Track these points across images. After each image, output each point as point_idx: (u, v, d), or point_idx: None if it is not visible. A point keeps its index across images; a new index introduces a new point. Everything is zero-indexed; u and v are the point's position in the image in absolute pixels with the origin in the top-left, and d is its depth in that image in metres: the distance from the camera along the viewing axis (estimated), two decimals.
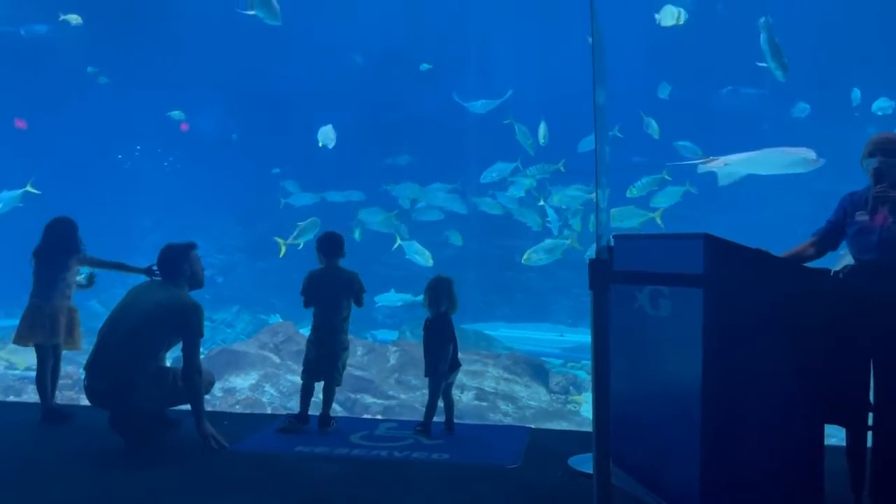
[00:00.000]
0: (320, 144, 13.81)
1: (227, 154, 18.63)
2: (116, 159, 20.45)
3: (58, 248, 5.66)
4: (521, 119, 13.49)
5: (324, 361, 5.28)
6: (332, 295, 5.29)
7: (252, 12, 11.03)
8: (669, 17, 12.34)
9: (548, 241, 12.72)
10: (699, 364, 3.47)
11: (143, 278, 5.51)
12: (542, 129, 13.04)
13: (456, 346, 5.22)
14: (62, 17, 14.68)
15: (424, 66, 16.99)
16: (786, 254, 4.14)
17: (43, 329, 5.58)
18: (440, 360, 5.11)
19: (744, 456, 3.52)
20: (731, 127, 15.95)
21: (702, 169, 8.17)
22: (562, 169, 13.56)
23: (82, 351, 5.88)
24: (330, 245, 5.40)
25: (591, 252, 11.80)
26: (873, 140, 3.97)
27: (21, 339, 5.65)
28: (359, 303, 5.38)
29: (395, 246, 13.21)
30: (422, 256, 12.66)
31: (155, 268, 5.67)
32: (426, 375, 5.22)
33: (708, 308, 3.45)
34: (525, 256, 12.48)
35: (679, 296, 3.65)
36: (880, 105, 14.97)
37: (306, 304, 5.38)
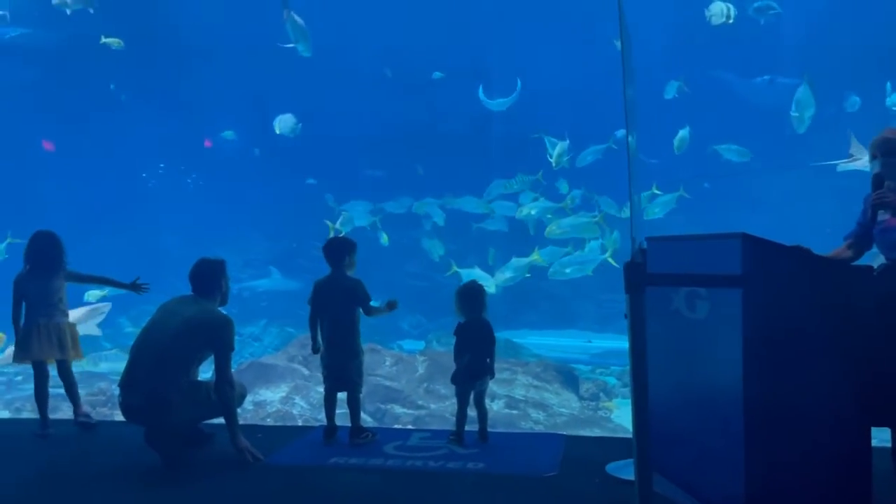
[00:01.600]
0: (277, 132, 13.77)
1: (250, 169, 18.77)
2: (141, 177, 20.70)
3: (48, 264, 5.71)
4: (541, 125, 13.39)
5: (340, 370, 5.23)
6: (337, 303, 5.21)
7: (291, 45, 11.57)
8: (720, 14, 12.01)
9: (514, 260, 12.46)
10: (740, 367, 3.41)
11: (175, 292, 5.53)
12: (560, 148, 12.50)
13: (483, 353, 5.14)
14: (103, 40, 14.50)
15: (437, 75, 17.04)
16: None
17: (42, 346, 5.66)
18: (458, 365, 5.10)
19: (789, 461, 3.45)
20: (768, 120, 15.09)
21: (841, 168, 7.94)
22: (541, 180, 13.39)
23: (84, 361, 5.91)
24: (332, 252, 5.32)
25: (555, 267, 11.56)
26: (874, 141, 3.88)
27: (21, 356, 5.75)
28: (366, 311, 5.26)
29: (451, 272, 12.54)
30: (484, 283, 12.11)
31: (140, 282, 5.84)
32: (451, 381, 5.19)
33: (747, 309, 3.39)
34: (494, 279, 12.15)
35: (717, 297, 3.58)
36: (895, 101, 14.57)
37: (313, 314, 5.27)
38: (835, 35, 15.25)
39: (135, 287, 5.86)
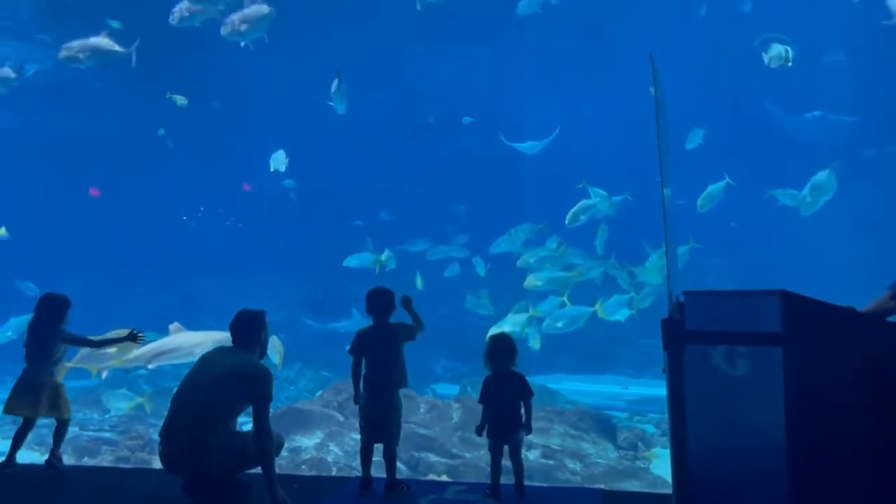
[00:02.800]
0: (272, 169, 14.12)
1: (287, 213, 19.08)
2: (181, 220, 21.19)
3: (49, 326, 5.97)
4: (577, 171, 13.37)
5: (379, 422, 5.22)
6: (381, 353, 5.23)
7: (332, 103, 12.23)
8: (778, 57, 11.73)
9: (510, 316, 12.13)
10: (782, 425, 3.36)
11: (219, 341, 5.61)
12: (580, 206, 12.26)
13: (511, 408, 5.06)
14: (169, 96, 14.65)
15: (466, 120, 17.30)
16: (866, 308, 4.01)
17: (23, 402, 5.89)
18: (481, 421, 5.07)
19: None
20: (819, 158, 14.90)
21: None
22: (545, 229, 13.30)
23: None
24: (376, 304, 5.32)
25: (548, 321, 11.42)
26: None
27: (10, 408, 5.94)
28: (412, 335, 5.28)
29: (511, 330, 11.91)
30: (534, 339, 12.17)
31: (137, 331, 6.05)
32: (486, 436, 5.13)
33: (788, 367, 3.36)
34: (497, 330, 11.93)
35: (757, 354, 3.54)
36: None
37: (356, 364, 5.28)
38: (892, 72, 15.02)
39: (132, 338, 6.13)
